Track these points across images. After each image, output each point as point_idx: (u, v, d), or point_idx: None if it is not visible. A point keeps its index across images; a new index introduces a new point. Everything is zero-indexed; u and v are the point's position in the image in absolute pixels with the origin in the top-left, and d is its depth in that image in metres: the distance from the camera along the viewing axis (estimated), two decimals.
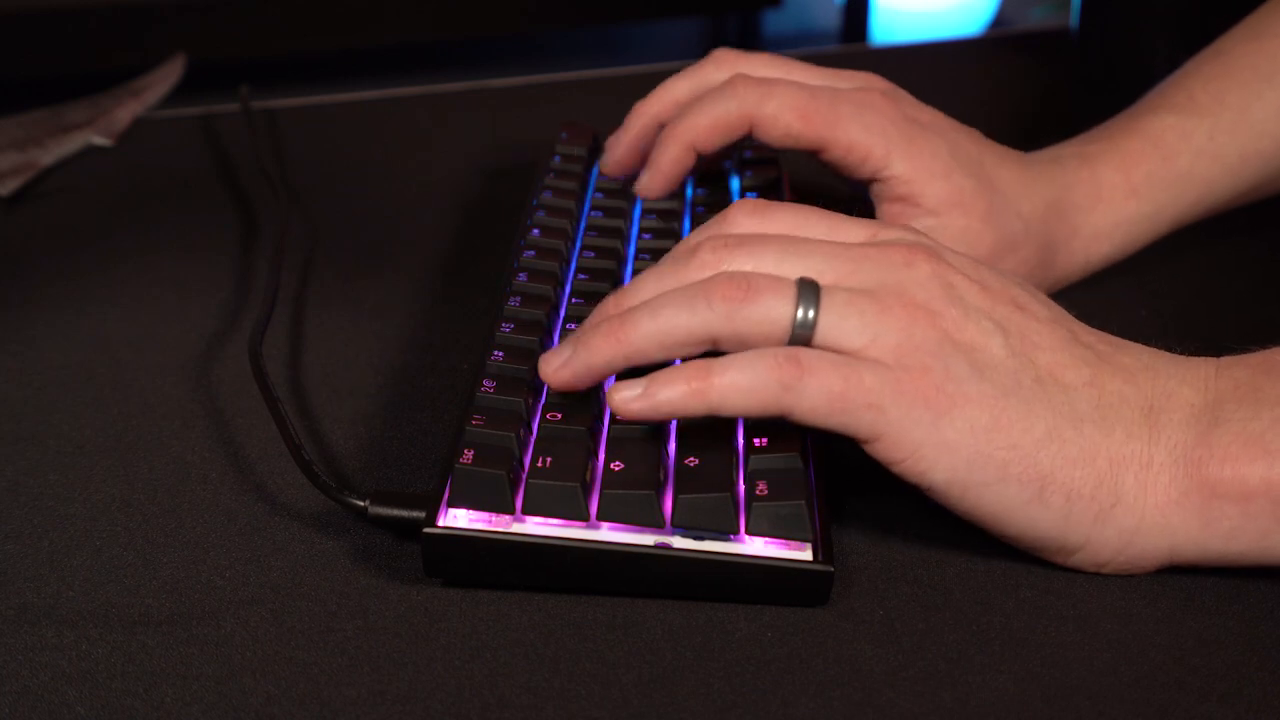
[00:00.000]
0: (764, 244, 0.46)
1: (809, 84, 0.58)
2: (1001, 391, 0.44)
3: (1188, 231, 0.64)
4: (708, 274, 0.46)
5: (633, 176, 0.62)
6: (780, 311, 0.44)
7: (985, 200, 0.57)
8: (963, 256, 0.47)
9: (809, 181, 0.67)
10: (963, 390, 0.43)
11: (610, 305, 0.47)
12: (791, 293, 0.44)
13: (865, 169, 0.57)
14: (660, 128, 0.61)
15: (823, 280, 0.45)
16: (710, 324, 0.44)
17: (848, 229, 0.48)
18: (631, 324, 0.45)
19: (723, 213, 0.49)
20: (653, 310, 0.45)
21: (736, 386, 0.43)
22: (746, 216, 0.48)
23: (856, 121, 0.56)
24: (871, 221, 0.48)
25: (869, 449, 0.44)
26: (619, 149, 0.63)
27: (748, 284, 0.44)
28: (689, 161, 0.59)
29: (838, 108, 0.57)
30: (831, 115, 0.56)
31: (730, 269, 0.46)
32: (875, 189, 0.58)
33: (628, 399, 0.44)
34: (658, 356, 0.45)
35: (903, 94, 0.59)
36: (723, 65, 0.61)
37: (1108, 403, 0.45)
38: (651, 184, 0.60)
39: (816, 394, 0.43)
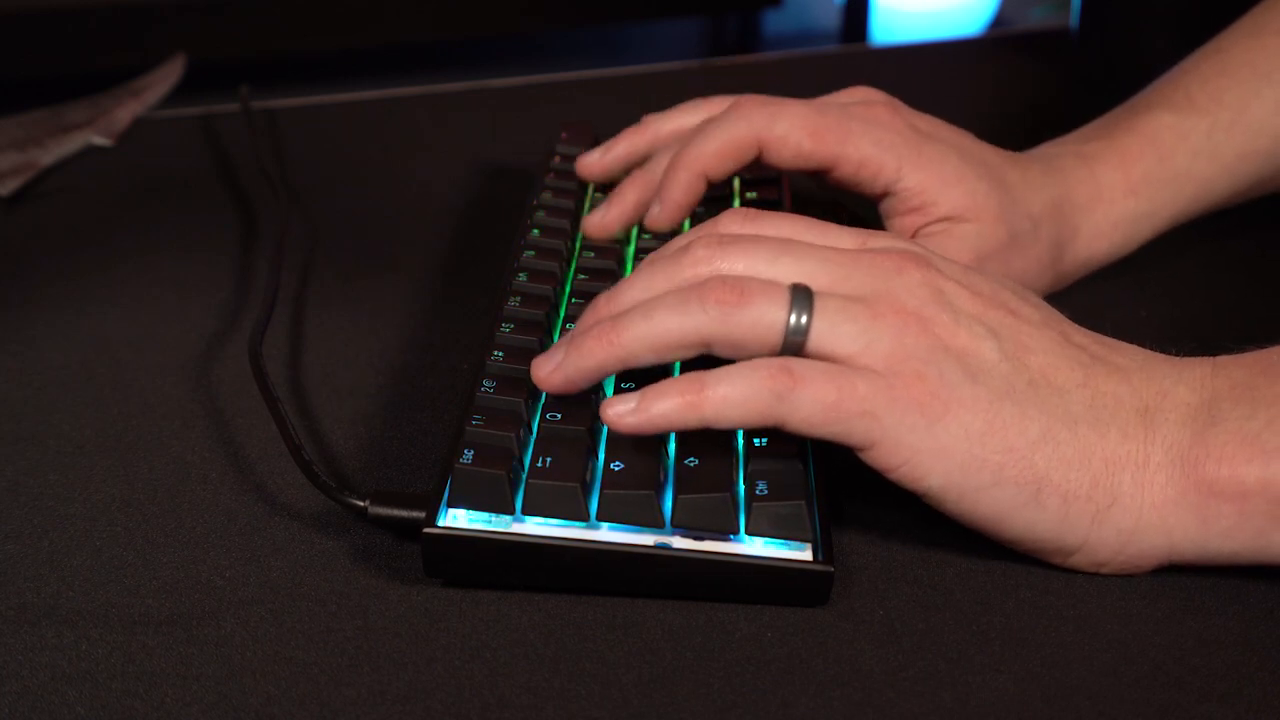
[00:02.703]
0: (757, 244, 0.46)
1: (814, 102, 0.57)
2: (995, 395, 0.44)
3: (1186, 231, 0.64)
4: (700, 270, 0.46)
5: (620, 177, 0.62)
6: (774, 316, 0.44)
7: (997, 202, 0.57)
8: (953, 263, 0.47)
9: (810, 198, 0.66)
10: (956, 395, 0.43)
11: (602, 306, 0.47)
12: (785, 298, 0.44)
13: (878, 184, 0.56)
14: (647, 154, 0.61)
15: (815, 285, 0.45)
16: (703, 327, 0.44)
17: (838, 235, 0.48)
18: (624, 326, 0.45)
19: (715, 217, 0.49)
20: (645, 312, 0.45)
21: (729, 399, 0.43)
22: (738, 220, 0.48)
23: (866, 137, 0.56)
24: (861, 230, 0.48)
25: (864, 456, 0.44)
26: (610, 157, 0.63)
27: (741, 288, 0.44)
28: (700, 189, 0.57)
29: (847, 124, 0.56)
30: (842, 132, 0.56)
31: (723, 267, 0.46)
32: (888, 202, 0.57)
33: (621, 414, 0.44)
34: (649, 359, 0.45)
35: (901, 104, 0.59)
36: (716, 101, 0.61)
37: (1102, 404, 0.45)
38: (664, 216, 0.58)
39: (810, 404, 0.43)
